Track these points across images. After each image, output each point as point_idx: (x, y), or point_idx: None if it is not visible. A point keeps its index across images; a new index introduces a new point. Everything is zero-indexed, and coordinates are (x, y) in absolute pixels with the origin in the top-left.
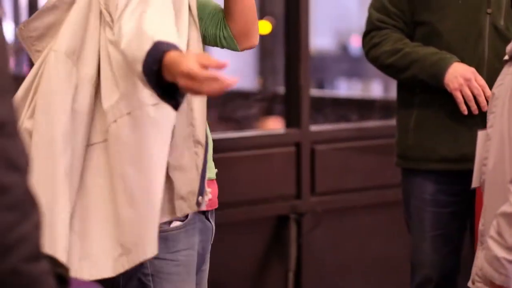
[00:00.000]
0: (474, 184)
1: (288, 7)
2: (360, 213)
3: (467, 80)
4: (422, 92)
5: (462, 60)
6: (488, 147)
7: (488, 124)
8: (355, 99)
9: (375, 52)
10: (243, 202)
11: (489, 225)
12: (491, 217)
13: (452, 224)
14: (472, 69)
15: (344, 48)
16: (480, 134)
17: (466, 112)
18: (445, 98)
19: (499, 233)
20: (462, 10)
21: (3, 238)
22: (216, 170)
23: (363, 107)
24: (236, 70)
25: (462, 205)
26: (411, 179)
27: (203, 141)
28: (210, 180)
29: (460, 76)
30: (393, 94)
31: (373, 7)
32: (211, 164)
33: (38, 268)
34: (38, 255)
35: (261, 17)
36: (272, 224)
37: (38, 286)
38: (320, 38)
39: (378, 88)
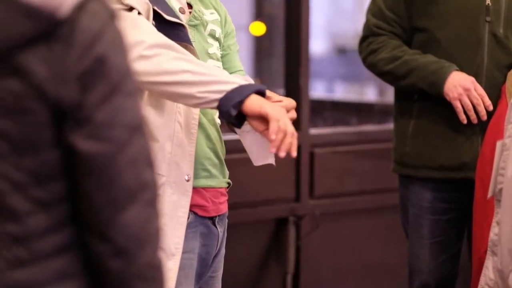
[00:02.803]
0: (490, 193)
1: (288, 9)
2: (358, 216)
3: (467, 90)
4: (420, 99)
5: (461, 68)
6: (506, 157)
7: (506, 134)
8: (354, 102)
9: (373, 59)
10: (243, 204)
11: (506, 235)
12: (509, 227)
13: (450, 231)
14: (472, 79)
15: (339, 51)
16: (498, 144)
17: (465, 122)
18: (444, 106)
19: None
20: (461, 17)
21: (144, 231)
22: (228, 180)
23: (361, 110)
24: None
25: (459, 212)
26: (409, 186)
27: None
28: (217, 188)
29: (459, 85)
30: (389, 98)
31: (370, 12)
32: (215, 172)
33: (160, 260)
34: (159, 248)
35: (255, 18)
36: (271, 226)
37: (161, 277)
38: (315, 41)
39: (373, 91)
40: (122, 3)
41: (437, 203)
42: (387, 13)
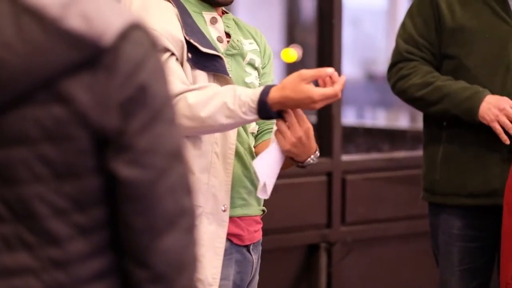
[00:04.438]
0: None
1: (320, 37)
2: (390, 243)
3: (502, 110)
4: (450, 126)
5: None
6: None
7: None
8: (386, 129)
9: (403, 85)
10: (274, 231)
11: None
12: None
13: (480, 258)
14: (506, 98)
15: (369, 77)
16: None
17: (508, 142)
18: (473, 132)
19: None
20: (488, 44)
21: (182, 257)
22: (263, 207)
23: (393, 137)
24: None
25: (490, 240)
26: (438, 213)
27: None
28: (253, 216)
29: (493, 107)
30: (421, 124)
31: (401, 38)
32: (250, 200)
33: (196, 287)
34: (196, 275)
35: (287, 45)
36: (302, 252)
37: None
38: (346, 67)
39: (404, 117)
40: None
41: (467, 230)
42: (418, 39)
